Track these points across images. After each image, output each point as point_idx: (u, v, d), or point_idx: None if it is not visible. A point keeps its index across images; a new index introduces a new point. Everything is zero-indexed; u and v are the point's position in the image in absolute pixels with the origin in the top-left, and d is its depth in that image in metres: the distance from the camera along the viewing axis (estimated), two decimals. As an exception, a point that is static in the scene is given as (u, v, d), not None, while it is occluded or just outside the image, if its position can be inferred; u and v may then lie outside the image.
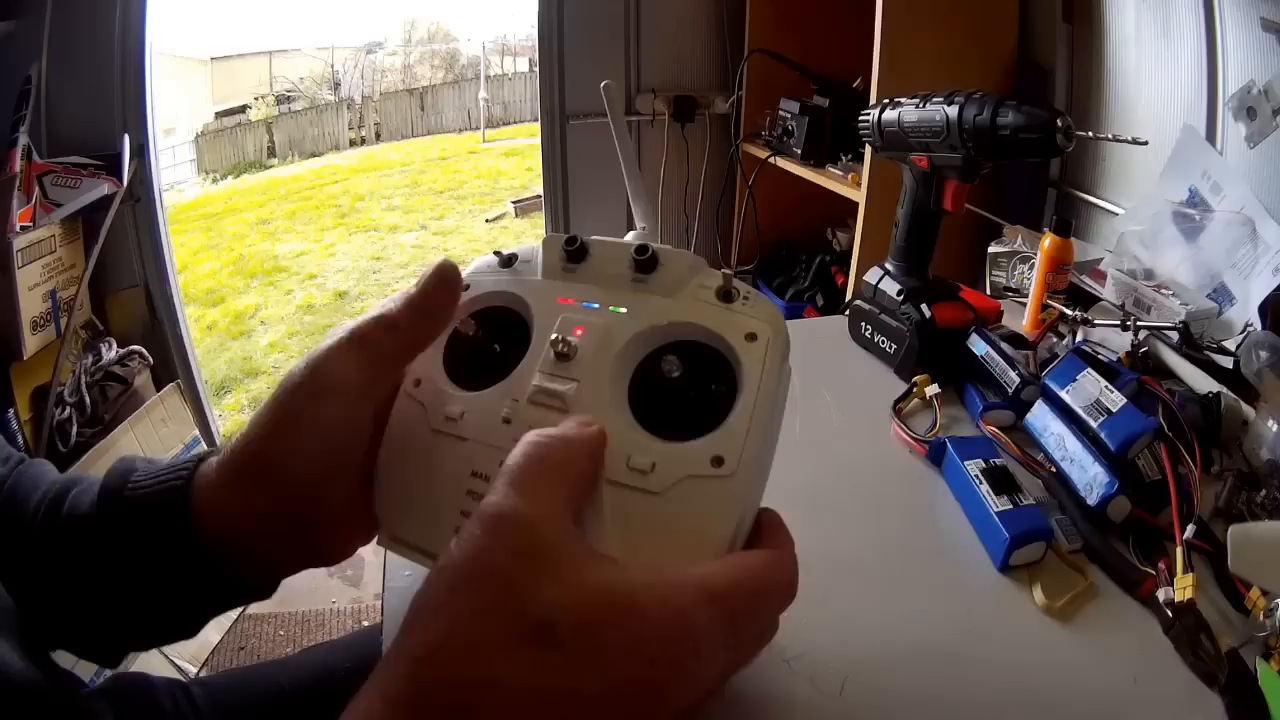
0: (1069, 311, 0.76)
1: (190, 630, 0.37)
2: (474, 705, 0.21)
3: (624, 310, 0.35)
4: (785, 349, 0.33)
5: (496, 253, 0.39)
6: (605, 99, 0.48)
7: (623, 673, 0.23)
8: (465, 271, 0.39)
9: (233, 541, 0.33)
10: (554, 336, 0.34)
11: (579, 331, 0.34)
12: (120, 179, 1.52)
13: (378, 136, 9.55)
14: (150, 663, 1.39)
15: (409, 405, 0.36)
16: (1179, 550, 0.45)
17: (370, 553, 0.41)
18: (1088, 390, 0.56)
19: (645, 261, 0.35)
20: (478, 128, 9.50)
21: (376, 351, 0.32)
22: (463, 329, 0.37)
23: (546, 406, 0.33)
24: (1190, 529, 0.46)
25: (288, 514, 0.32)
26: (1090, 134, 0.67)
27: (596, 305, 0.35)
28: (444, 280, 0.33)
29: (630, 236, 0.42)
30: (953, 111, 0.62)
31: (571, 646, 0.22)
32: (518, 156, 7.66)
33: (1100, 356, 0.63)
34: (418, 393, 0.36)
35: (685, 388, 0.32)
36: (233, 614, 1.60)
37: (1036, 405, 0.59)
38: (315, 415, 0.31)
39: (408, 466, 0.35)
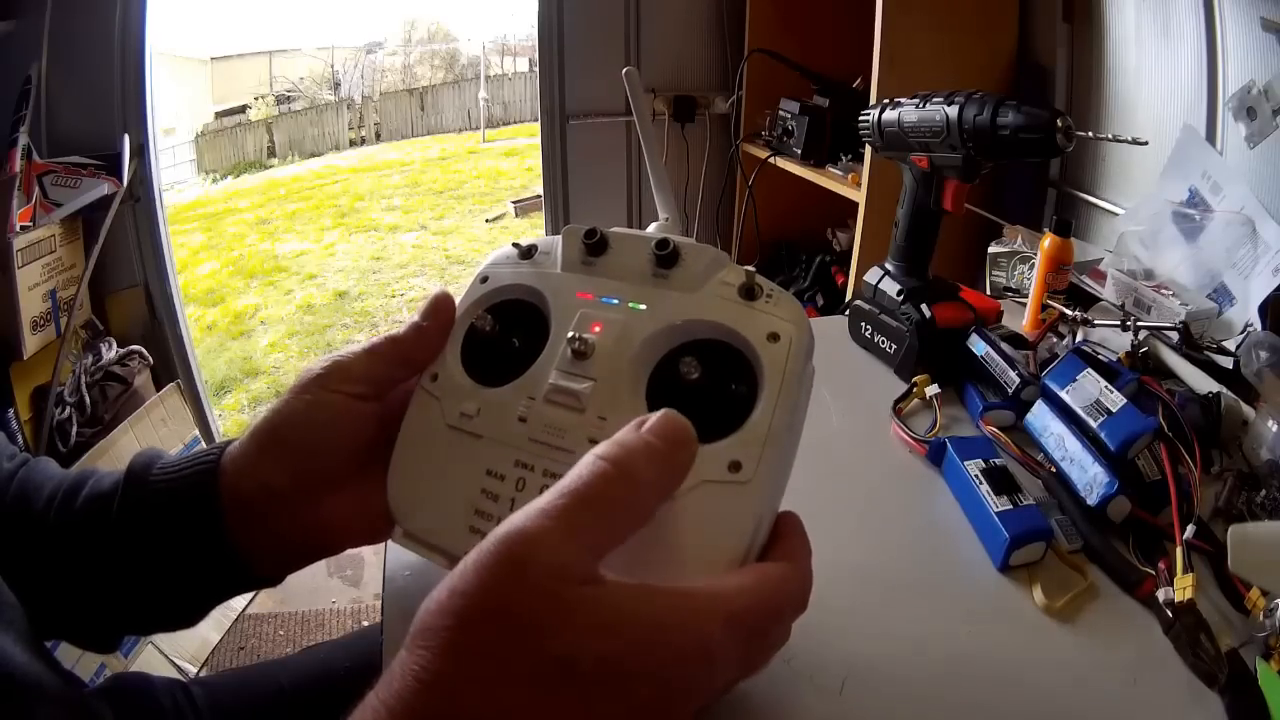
0: (1069, 311, 0.76)
1: (196, 617, 0.39)
2: None
3: (643, 307, 0.34)
4: (809, 350, 0.32)
5: (515, 244, 0.39)
6: (627, 85, 0.47)
7: (640, 696, 0.23)
8: (484, 263, 0.39)
9: (249, 518, 0.36)
10: (571, 334, 0.33)
11: (597, 328, 0.34)
12: (120, 179, 1.52)
13: (378, 136, 9.55)
14: (150, 663, 1.39)
15: (425, 400, 0.36)
16: (1179, 550, 0.45)
17: (370, 553, 0.42)
18: (1088, 390, 0.56)
19: (666, 256, 0.34)
20: (478, 128, 9.50)
21: (381, 354, 0.37)
22: (480, 323, 0.37)
23: (562, 406, 0.33)
24: (1190, 529, 0.46)
25: (298, 478, 0.36)
26: (1090, 134, 0.67)
27: (616, 301, 0.35)
28: (437, 309, 0.37)
29: (652, 228, 0.41)
30: (953, 111, 0.62)
31: (591, 678, 0.22)
32: (518, 156, 7.66)
33: (1100, 356, 0.63)
34: (434, 387, 0.36)
35: (705, 389, 0.32)
36: (233, 614, 1.60)
37: (1036, 405, 0.59)
38: (326, 397, 0.36)
39: (422, 461, 0.35)
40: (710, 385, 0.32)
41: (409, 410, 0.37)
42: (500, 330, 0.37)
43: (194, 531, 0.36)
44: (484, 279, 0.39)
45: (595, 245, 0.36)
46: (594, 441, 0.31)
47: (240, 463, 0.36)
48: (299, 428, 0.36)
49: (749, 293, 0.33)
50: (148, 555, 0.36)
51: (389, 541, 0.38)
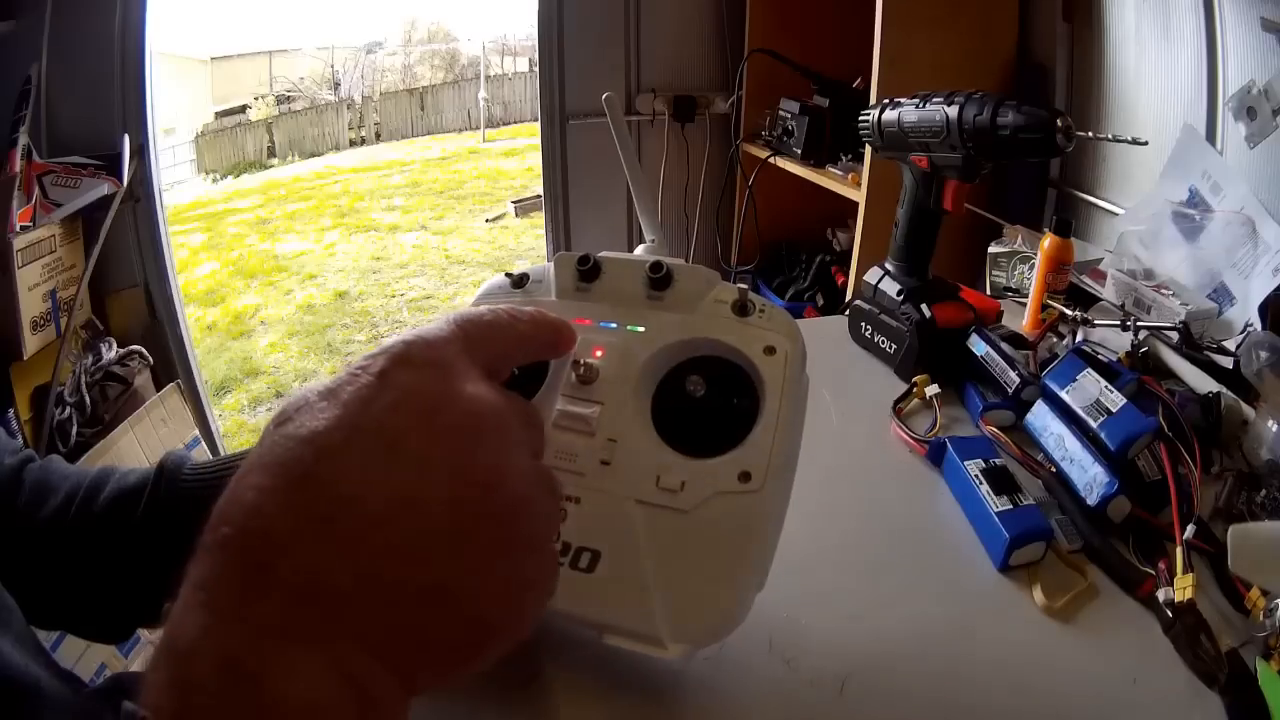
0: (1069, 311, 0.76)
1: None
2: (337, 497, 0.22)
3: (641, 329, 0.35)
4: (803, 361, 0.33)
5: (508, 274, 0.39)
6: (608, 112, 0.47)
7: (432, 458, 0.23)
8: (477, 293, 0.40)
9: None
10: (575, 359, 0.34)
11: (598, 353, 0.34)
12: (120, 179, 1.52)
13: (378, 136, 9.55)
14: (150, 663, 1.39)
15: None
16: (1179, 550, 0.45)
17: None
18: (1088, 390, 0.56)
19: (660, 279, 0.35)
20: (478, 128, 9.51)
21: None
22: None
23: (572, 430, 0.33)
24: (1190, 529, 0.46)
25: None
26: (1090, 134, 0.67)
27: (614, 324, 0.35)
28: None
29: (640, 250, 0.42)
30: (953, 111, 0.62)
31: (376, 438, 0.23)
32: (518, 156, 7.67)
33: (1100, 356, 0.63)
34: None
35: (708, 404, 0.33)
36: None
37: (1036, 405, 0.59)
38: None
39: None
40: (713, 400, 0.33)
41: None
42: None
43: None
44: None
45: (589, 271, 0.36)
46: (605, 463, 0.32)
47: None
48: None
49: (742, 309, 0.34)
50: (178, 547, 0.38)
51: None
